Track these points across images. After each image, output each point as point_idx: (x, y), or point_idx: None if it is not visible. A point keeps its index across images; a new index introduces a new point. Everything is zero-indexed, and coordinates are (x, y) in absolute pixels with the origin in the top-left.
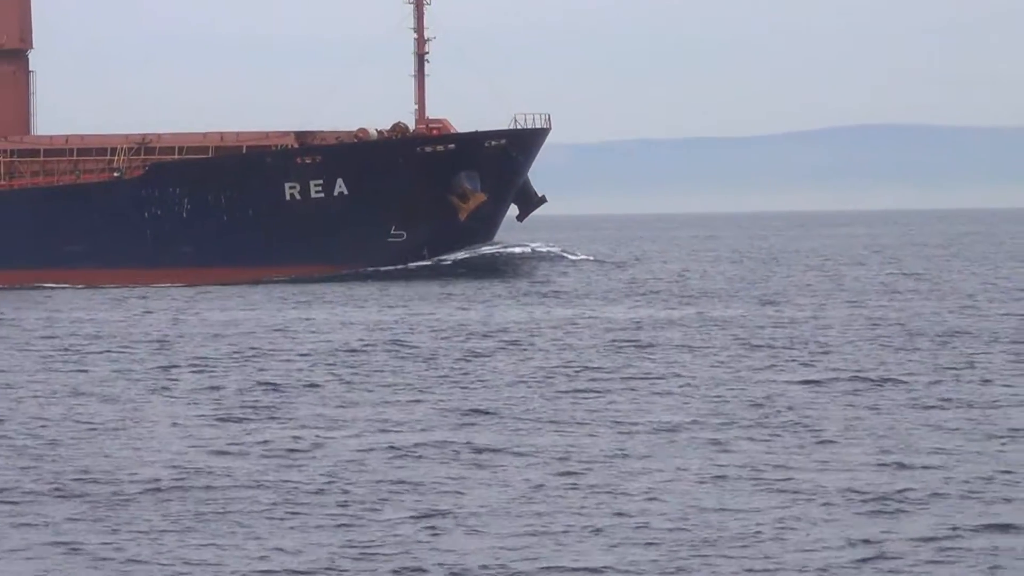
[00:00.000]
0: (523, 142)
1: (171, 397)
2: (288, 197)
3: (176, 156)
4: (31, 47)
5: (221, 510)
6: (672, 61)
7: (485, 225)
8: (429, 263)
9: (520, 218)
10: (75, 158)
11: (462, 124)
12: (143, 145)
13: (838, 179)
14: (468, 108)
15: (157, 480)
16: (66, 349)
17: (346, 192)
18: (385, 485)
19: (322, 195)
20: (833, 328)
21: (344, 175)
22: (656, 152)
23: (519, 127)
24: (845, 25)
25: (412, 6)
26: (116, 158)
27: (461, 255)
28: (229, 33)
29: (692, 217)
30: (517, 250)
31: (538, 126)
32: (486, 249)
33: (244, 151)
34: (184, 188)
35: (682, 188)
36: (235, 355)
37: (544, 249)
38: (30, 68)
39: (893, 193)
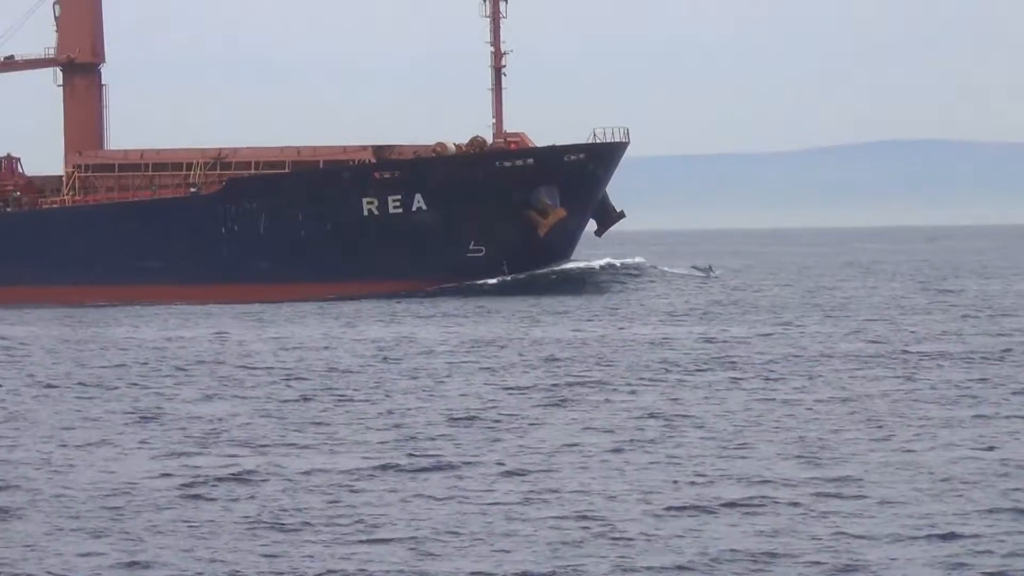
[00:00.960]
0: (602, 156)
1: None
2: (366, 212)
3: (252, 171)
4: (103, 61)
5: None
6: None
7: (564, 240)
8: (508, 278)
9: (599, 233)
10: (150, 173)
11: (539, 138)
12: (219, 160)
13: (850, 195)
14: (545, 121)
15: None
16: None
17: (424, 207)
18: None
19: (400, 210)
20: None
21: (423, 190)
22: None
23: (598, 141)
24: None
25: (489, 20)
26: (192, 173)
27: (547, 270)
28: (301, 49)
29: (723, 232)
30: (612, 264)
31: (617, 140)
32: (569, 265)
33: (321, 166)
34: (261, 203)
35: (693, 203)
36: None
37: (628, 262)
38: (103, 82)
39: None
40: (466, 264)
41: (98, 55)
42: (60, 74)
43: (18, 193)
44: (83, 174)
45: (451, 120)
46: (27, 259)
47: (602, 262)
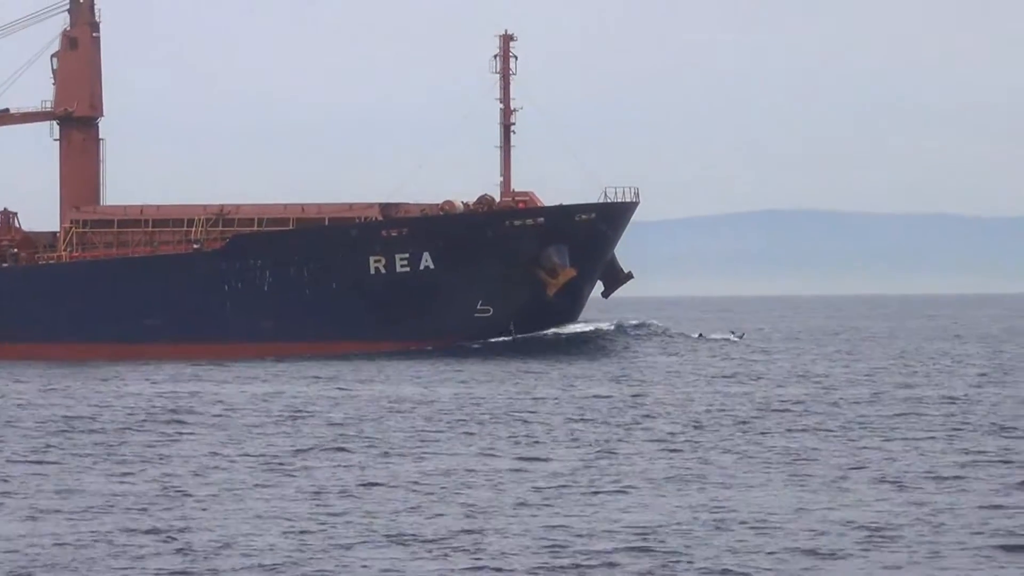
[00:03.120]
0: (613, 216)
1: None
2: (373, 271)
3: (255, 228)
4: (101, 115)
5: None
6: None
7: (572, 301)
8: (512, 338)
9: (605, 295)
10: (151, 229)
11: (547, 197)
12: (221, 216)
13: (746, 265)
14: (552, 180)
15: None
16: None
17: (432, 266)
18: None
19: (407, 269)
20: None
21: (431, 248)
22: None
23: (609, 200)
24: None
25: (498, 76)
26: (194, 229)
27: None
28: (310, 104)
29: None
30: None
31: (627, 199)
32: (579, 327)
33: (327, 223)
34: (266, 261)
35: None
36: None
37: (635, 323)
38: (100, 136)
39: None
40: (474, 324)
41: (96, 108)
42: (57, 127)
43: (15, 249)
44: (81, 229)
45: (458, 178)
46: (24, 316)
47: (634, 321)
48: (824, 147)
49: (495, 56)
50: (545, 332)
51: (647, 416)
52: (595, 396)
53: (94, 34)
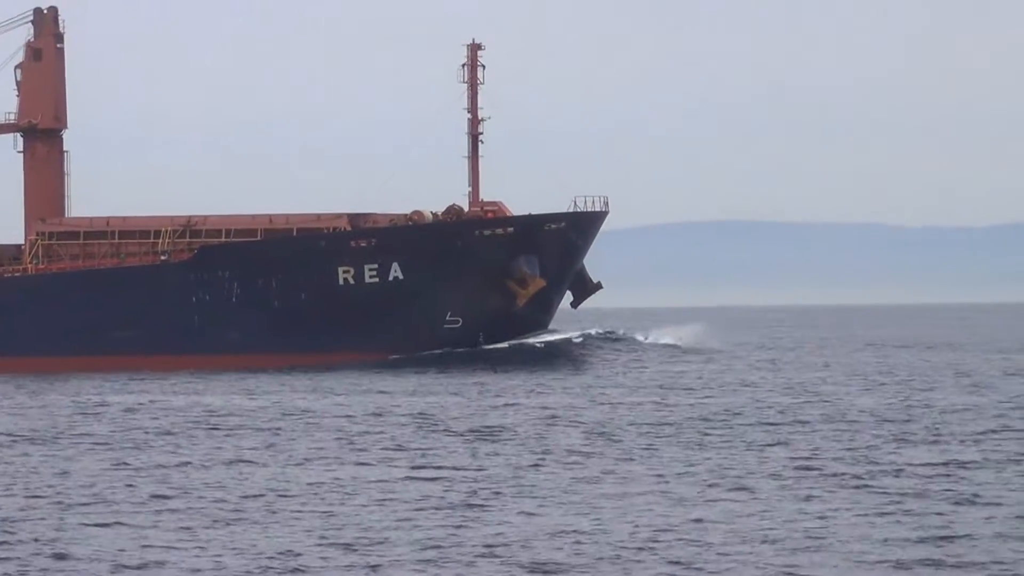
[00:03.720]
0: (583, 225)
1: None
2: (342, 281)
3: (223, 239)
4: (65, 127)
5: None
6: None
7: (542, 311)
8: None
9: (574, 305)
10: (117, 241)
11: (515, 206)
12: (188, 227)
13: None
14: (520, 190)
15: None
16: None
17: (402, 276)
18: None
19: (377, 279)
20: None
21: (400, 259)
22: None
23: (578, 210)
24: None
25: (466, 86)
26: (160, 241)
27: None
28: (277, 113)
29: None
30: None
31: (596, 209)
32: (548, 336)
33: (295, 233)
34: (233, 272)
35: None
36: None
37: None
38: (64, 148)
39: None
40: (443, 335)
41: (60, 120)
42: (21, 140)
43: None
44: (46, 241)
45: (426, 188)
46: None
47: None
48: (763, 160)
49: (463, 65)
50: (514, 342)
51: (558, 424)
52: (506, 405)
53: (58, 45)
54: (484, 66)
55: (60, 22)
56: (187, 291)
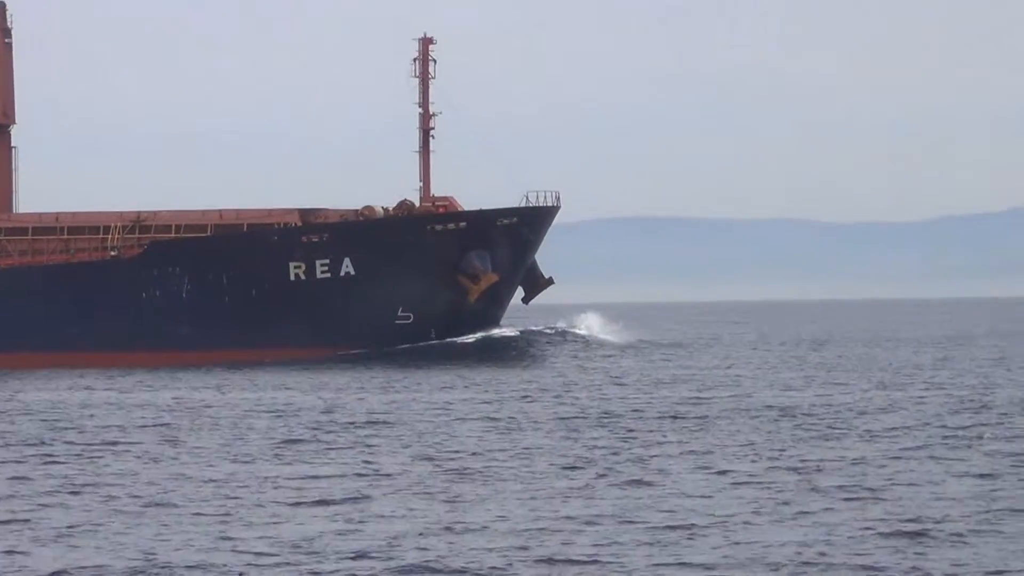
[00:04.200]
0: (535, 220)
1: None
2: (293, 277)
3: (173, 235)
4: (13, 123)
5: None
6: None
7: (494, 306)
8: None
9: (526, 300)
10: (66, 236)
11: (468, 202)
12: (138, 223)
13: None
14: (471, 185)
15: None
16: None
17: (353, 272)
18: None
19: (328, 275)
20: None
21: (351, 254)
22: None
23: (530, 205)
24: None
25: (418, 81)
26: (110, 236)
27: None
28: (226, 109)
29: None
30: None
31: (548, 204)
32: (502, 331)
33: (245, 229)
34: (184, 268)
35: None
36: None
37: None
38: (12, 144)
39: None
40: (394, 330)
41: (8, 116)
42: None
43: None
44: None
45: (376, 183)
46: None
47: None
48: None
49: (414, 60)
50: (465, 338)
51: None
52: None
53: (6, 40)
54: (436, 60)
55: (8, 16)
56: (138, 287)
